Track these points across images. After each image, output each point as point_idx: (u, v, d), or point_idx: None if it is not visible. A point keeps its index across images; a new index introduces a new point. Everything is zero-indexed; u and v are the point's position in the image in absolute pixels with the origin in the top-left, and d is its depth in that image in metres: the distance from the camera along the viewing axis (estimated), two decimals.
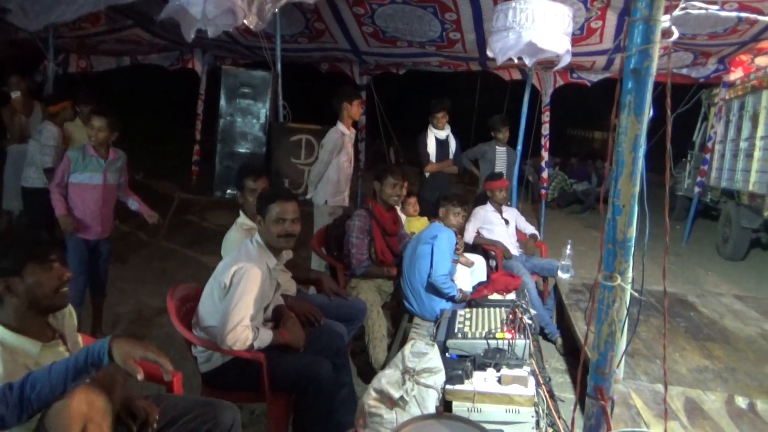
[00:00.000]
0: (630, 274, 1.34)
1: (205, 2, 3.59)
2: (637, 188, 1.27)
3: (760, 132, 7.09)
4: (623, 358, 1.72)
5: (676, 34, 1.19)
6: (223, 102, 5.71)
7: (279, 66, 5.70)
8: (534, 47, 3.73)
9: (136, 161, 3.82)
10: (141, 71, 9.48)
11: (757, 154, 7.10)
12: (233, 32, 6.53)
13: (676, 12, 1.13)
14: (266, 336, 2.58)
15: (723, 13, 1.30)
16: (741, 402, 2.72)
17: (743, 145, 7.60)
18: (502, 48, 3.98)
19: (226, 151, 5.75)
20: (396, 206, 4.32)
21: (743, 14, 1.53)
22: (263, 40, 5.58)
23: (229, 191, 5.76)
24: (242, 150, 5.71)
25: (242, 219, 3.30)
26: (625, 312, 1.35)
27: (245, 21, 3.91)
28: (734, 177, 7.77)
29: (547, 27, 3.74)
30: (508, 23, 3.87)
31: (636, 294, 1.33)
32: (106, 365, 1.60)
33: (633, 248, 1.31)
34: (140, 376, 1.58)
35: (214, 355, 2.60)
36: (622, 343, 1.45)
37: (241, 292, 2.46)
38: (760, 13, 5.26)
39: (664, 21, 1.15)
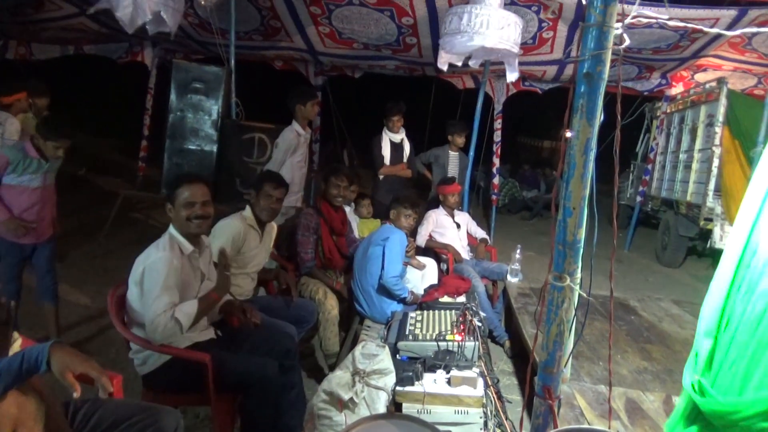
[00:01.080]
0: (579, 275, 1.36)
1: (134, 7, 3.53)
2: (587, 191, 1.30)
3: (698, 145, 7.45)
4: (570, 357, 1.75)
5: (627, 41, 1.22)
6: (173, 97, 5.53)
7: (233, 62, 5.59)
8: (485, 50, 3.79)
9: (79, 156, 3.61)
10: (87, 61, 9.11)
11: (695, 165, 7.45)
12: (185, 26, 6.37)
13: (628, 20, 1.16)
14: (189, 307, 2.44)
15: (671, 23, 1.34)
16: (678, 402, 2.82)
17: (682, 156, 7.97)
18: (451, 50, 4.03)
19: (176, 147, 5.58)
20: (345, 207, 4.31)
21: (690, 24, 1.59)
22: (217, 35, 5.46)
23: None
24: (192, 147, 5.55)
25: (247, 212, 3.37)
26: (573, 312, 1.38)
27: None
28: (674, 187, 8.13)
29: (500, 35, 3.81)
30: (462, 27, 3.92)
31: (584, 295, 1.36)
32: (43, 373, 1.50)
33: (582, 250, 1.34)
34: (77, 394, 1.49)
35: (151, 356, 2.50)
36: (570, 343, 1.48)
37: (155, 283, 2.38)
38: (700, 31, 5.53)
39: (617, 28, 1.18)
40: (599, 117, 1.27)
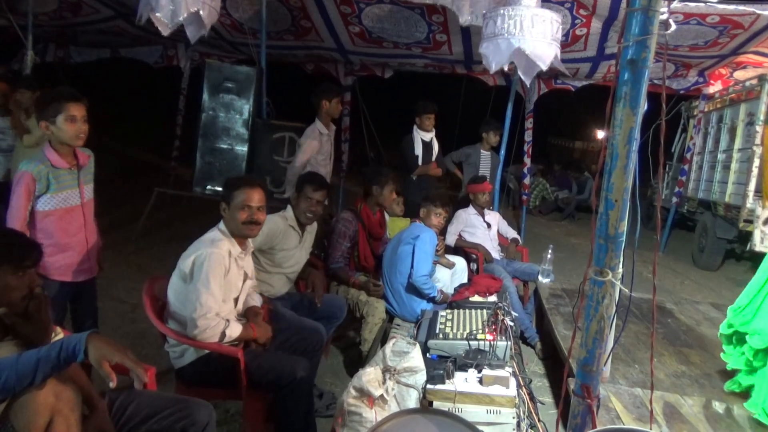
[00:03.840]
0: (620, 270, 1.32)
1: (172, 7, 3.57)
2: (630, 183, 1.26)
3: (737, 144, 7.22)
4: (611, 355, 1.70)
5: (673, 26, 1.18)
6: (205, 96, 5.61)
7: (263, 62, 5.64)
8: (523, 54, 3.73)
9: (112, 157, 3.59)
10: (122, 64, 9.32)
11: (734, 166, 7.22)
12: (218, 26, 6.46)
13: (675, 4, 1.12)
14: (236, 328, 2.53)
15: (721, 6, 1.29)
16: (718, 407, 2.74)
17: (721, 157, 7.74)
18: (494, 56, 3.97)
19: (208, 146, 5.66)
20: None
21: (741, 7, 1.52)
22: (249, 36, 5.52)
23: (209, 187, 5.66)
24: (224, 146, 5.62)
25: (288, 212, 3.38)
26: (614, 309, 1.34)
27: None
28: (711, 188, 7.90)
29: (535, 34, 3.75)
30: (497, 30, 3.87)
31: (626, 290, 1.32)
32: (80, 362, 1.52)
33: (624, 244, 1.30)
34: (113, 384, 1.50)
35: (188, 350, 2.53)
36: (610, 341, 1.44)
37: (205, 279, 2.40)
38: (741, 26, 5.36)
39: (662, 12, 1.14)
40: (643, 106, 1.23)
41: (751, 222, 6.64)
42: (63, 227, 2.76)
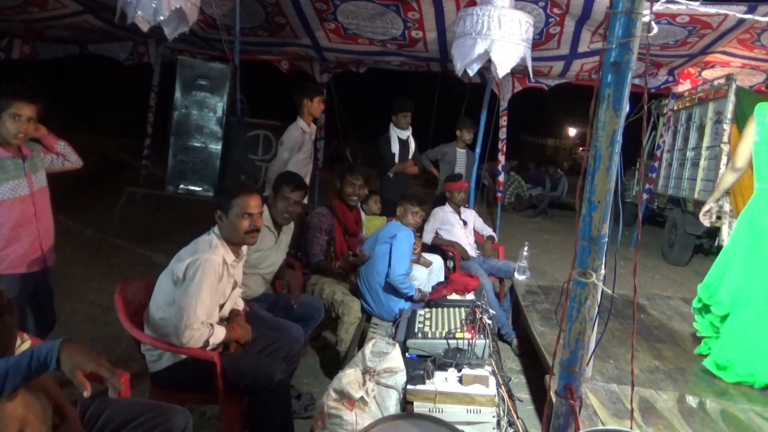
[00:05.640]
0: (603, 272, 1.33)
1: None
2: (612, 185, 1.26)
3: (705, 142, 7.38)
4: (592, 356, 1.72)
5: (655, 29, 1.18)
6: (178, 94, 5.50)
7: (237, 59, 5.56)
8: (488, 57, 3.74)
9: (82, 153, 3.44)
10: (91, 61, 9.10)
11: (702, 163, 7.39)
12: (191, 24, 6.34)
13: (658, 6, 1.13)
14: (219, 333, 2.50)
15: (702, 9, 1.30)
16: (691, 401, 2.79)
17: (690, 154, 7.91)
18: (460, 55, 3.97)
19: (180, 144, 5.54)
20: (357, 206, 4.28)
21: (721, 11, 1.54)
22: (222, 32, 5.43)
23: (182, 187, 5.55)
24: (197, 144, 5.51)
25: (265, 212, 3.27)
26: (597, 309, 1.34)
27: None
28: (681, 185, 8.07)
29: (502, 35, 3.75)
30: (466, 29, 3.88)
31: (609, 291, 1.33)
32: (53, 371, 1.46)
33: (606, 245, 1.31)
34: (87, 394, 1.45)
35: (166, 354, 2.48)
36: (592, 342, 1.45)
37: (197, 286, 2.36)
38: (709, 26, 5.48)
39: (645, 15, 1.14)
40: (625, 108, 1.24)
41: (719, 218, 6.80)
42: (12, 217, 2.75)
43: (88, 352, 1.50)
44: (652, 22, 1.15)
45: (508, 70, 3.70)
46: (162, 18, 3.55)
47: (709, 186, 7.06)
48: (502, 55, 3.74)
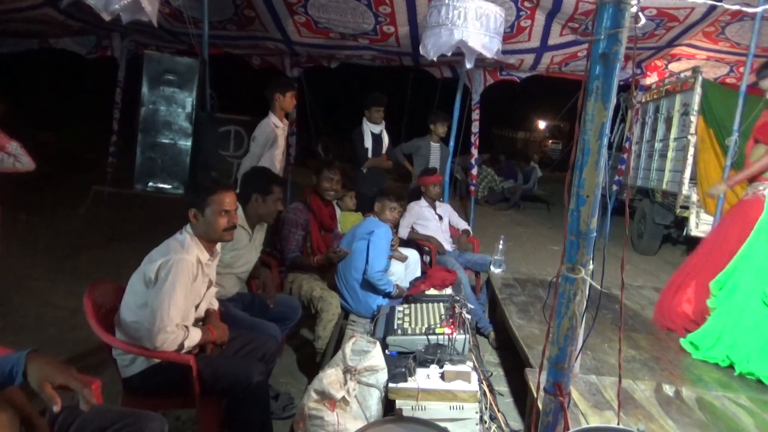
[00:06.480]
0: (591, 267, 1.31)
1: None
2: (601, 178, 1.25)
3: (673, 134, 7.53)
4: (581, 352, 1.71)
5: (643, 20, 1.17)
6: (145, 89, 5.36)
7: (206, 53, 5.43)
8: (465, 46, 3.75)
9: (45, 153, 3.32)
10: (51, 55, 8.80)
11: (670, 154, 7.54)
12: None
13: None
14: (195, 335, 2.43)
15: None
16: (668, 390, 2.83)
17: (658, 145, 8.06)
18: (434, 44, 3.97)
19: (149, 141, 5.42)
20: (333, 201, 4.23)
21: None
22: (190, 25, 5.29)
23: (151, 184, 5.42)
24: (166, 140, 5.39)
25: (239, 211, 3.12)
26: (585, 305, 1.33)
27: None
28: (649, 176, 8.23)
29: (479, 26, 3.76)
30: (441, 20, 3.87)
31: (597, 286, 1.31)
32: (19, 385, 1.38)
33: (595, 240, 1.29)
34: (57, 408, 1.37)
35: (138, 358, 2.39)
36: (580, 338, 1.44)
37: (171, 288, 2.27)
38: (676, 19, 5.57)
39: (633, 5, 1.13)
40: (613, 100, 1.22)
41: (687, 208, 6.95)
42: None
43: (57, 363, 1.42)
44: (640, 13, 1.13)
45: (491, 58, 3.71)
46: (117, 7, 3.43)
47: (677, 177, 7.20)
48: (480, 45, 3.75)
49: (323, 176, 3.93)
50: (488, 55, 3.86)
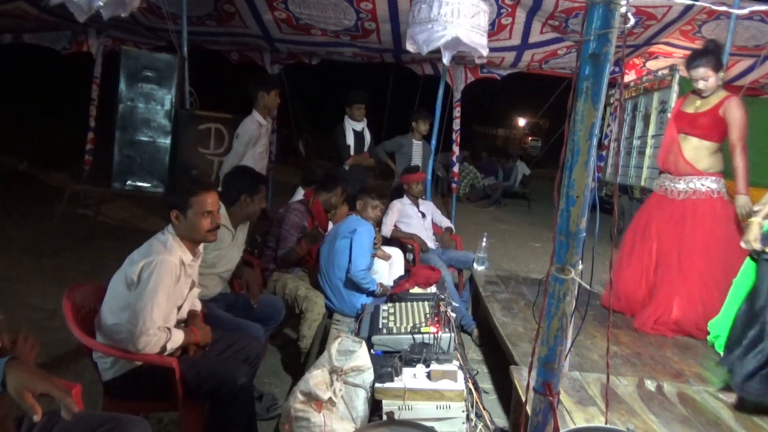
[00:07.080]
0: (580, 267, 1.32)
1: None
2: (591, 179, 1.25)
3: (651, 131, 7.64)
4: (570, 351, 1.72)
5: (632, 20, 1.17)
6: (122, 86, 5.27)
7: (185, 49, 5.35)
8: (457, 41, 3.75)
9: (19, 149, 3.23)
10: (25, 50, 8.60)
11: (648, 151, 7.65)
12: (134, 11, 6.07)
13: None
14: (178, 337, 2.38)
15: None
16: (650, 385, 2.86)
17: (636, 143, 8.17)
18: (427, 39, 3.96)
19: (127, 139, 5.32)
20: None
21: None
22: (168, 21, 5.20)
23: (129, 183, 5.33)
24: (144, 138, 5.31)
25: (222, 210, 3.12)
26: (575, 305, 1.34)
27: None
28: (628, 173, 8.33)
29: (470, 23, 3.77)
30: (432, 15, 3.86)
31: (587, 286, 1.32)
32: None
33: (584, 240, 1.30)
34: (37, 418, 1.32)
35: (119, 361, 2.35)
36: (569, 338, 1.44)
37: (153, 289, 2.23)
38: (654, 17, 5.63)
39: (623, 5, 1.13)
40: (603, 101, 1.22)
41: None
42: None
43: (37, 371, 1.38)
44: (629, 14, 1.13)
45: (484, 56, 3.72)
46: (100, 3, 3.36)
47: (654, 174, 7.29)
48: (475, 43, 3.76)
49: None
50: (484, 53, 3.88)
